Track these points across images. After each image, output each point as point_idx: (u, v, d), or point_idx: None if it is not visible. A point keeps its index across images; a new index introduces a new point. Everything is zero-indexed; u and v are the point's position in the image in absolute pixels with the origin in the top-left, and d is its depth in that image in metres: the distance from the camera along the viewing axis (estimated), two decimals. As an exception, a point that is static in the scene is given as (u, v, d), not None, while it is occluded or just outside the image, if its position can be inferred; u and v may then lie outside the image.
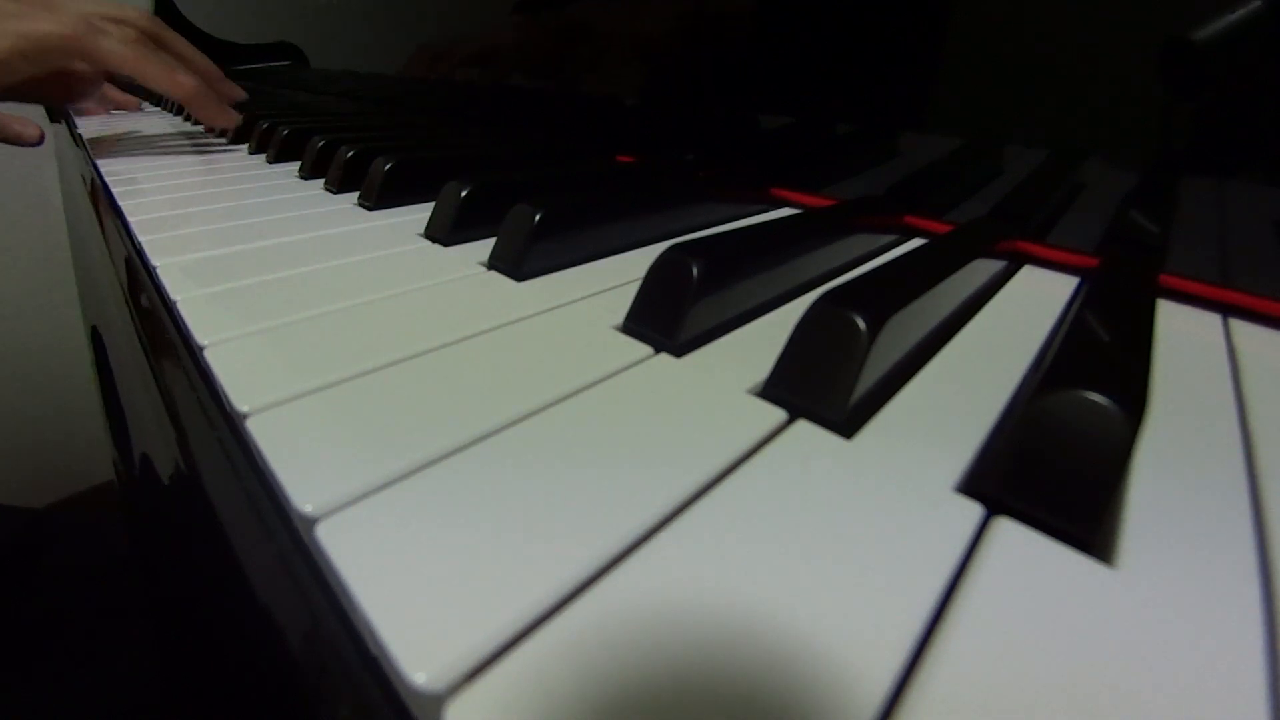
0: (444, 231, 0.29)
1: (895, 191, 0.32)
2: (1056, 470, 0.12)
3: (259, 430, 0.14)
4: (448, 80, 0.61)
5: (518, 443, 0.14)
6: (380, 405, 0.15)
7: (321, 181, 0.41)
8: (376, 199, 0.35)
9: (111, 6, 0.52)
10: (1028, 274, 0.27)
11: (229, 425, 0.16)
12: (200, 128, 0.69)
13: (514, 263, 0.25)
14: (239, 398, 0.15)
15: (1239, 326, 0.22)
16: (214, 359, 0.17)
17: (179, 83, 0.49)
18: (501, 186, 0.30)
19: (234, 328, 0.19)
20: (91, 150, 0.54)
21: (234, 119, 0.55)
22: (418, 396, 0.15)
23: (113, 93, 0.84)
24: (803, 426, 0.15)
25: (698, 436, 0.14)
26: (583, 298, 0.22)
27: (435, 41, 0.61)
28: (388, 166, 0.35)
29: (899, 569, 0.11)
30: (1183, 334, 0.21)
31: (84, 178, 0.48)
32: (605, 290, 0.23)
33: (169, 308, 0.22)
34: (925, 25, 0.29)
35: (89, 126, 0.69)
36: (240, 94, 0.63)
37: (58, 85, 0.52)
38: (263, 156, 0.50)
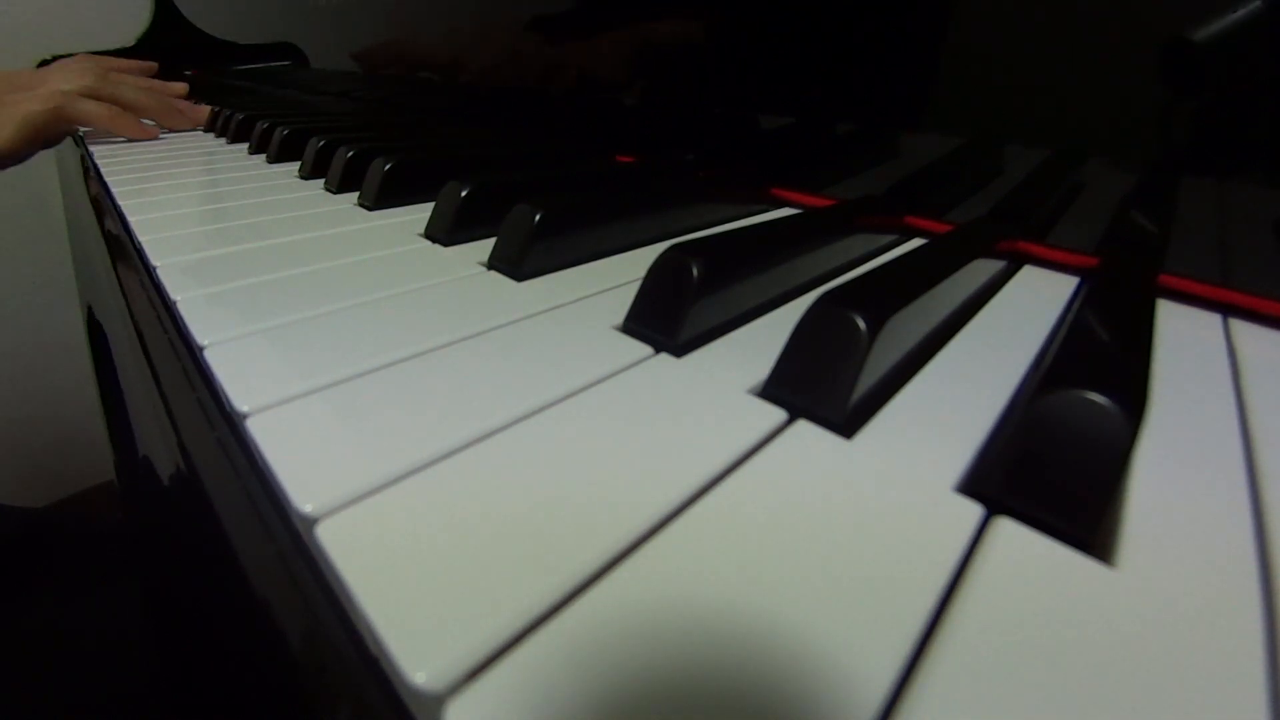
0: (444, 231, 0.29)
1: (895, 191, 0.32)
2: (1057, 470, 0.12)
3: (259, 430, 0.14)
4: (448, 81, 0.61)
5: (518, 443, 0.14)
6: (380, 405, 0.15)
7: (321, 181, 0.41)
8: (376, 199, 0.35)
9: (74, 67, 0.61)
10: (1028, 274, 0.27)
11: (229, 425, 0.16)
12: (199, 129, 0.70)
13: (514, 263, 0.25)
14: (239, 398, 0.15)
15: (1239, 326, 0.22)
16: (214, 359, 0.17)
17: (147, 131, 0.60)
18: (501, 186, 0.30)
19: (234, 328, 0.19)
20: (91, 150, 0.54)
21: (195, 118, 0.66)
22: (417, 396, 0.15)
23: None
24: (803, 426, 0.15)
25: (698, 436, 0.14)
26: (583, 298, 0.22)
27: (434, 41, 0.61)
28: (387, 167, 0.35)
29: (899, 569, 0.11)
30: (1183, 334, 0.21)
31: (84, 178, 0.48)
32: (605, 290, 0.23)
33: (169, 308, 0.22)
34: (925, 25, 0.29)
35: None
36: (201, 115, 0.72)
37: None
38: (262, 156, 0.50)
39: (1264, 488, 0.14)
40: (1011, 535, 0.12)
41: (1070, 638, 0.10)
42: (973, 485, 0.13)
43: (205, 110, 0.67)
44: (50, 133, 0.55)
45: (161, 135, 0.63)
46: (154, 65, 0.73)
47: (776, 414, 0.15)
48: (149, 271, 0.25)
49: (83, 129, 0.62)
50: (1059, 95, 0.26)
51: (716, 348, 0.19)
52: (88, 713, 0.35)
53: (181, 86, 0.72)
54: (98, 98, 0.58)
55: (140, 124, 0.59)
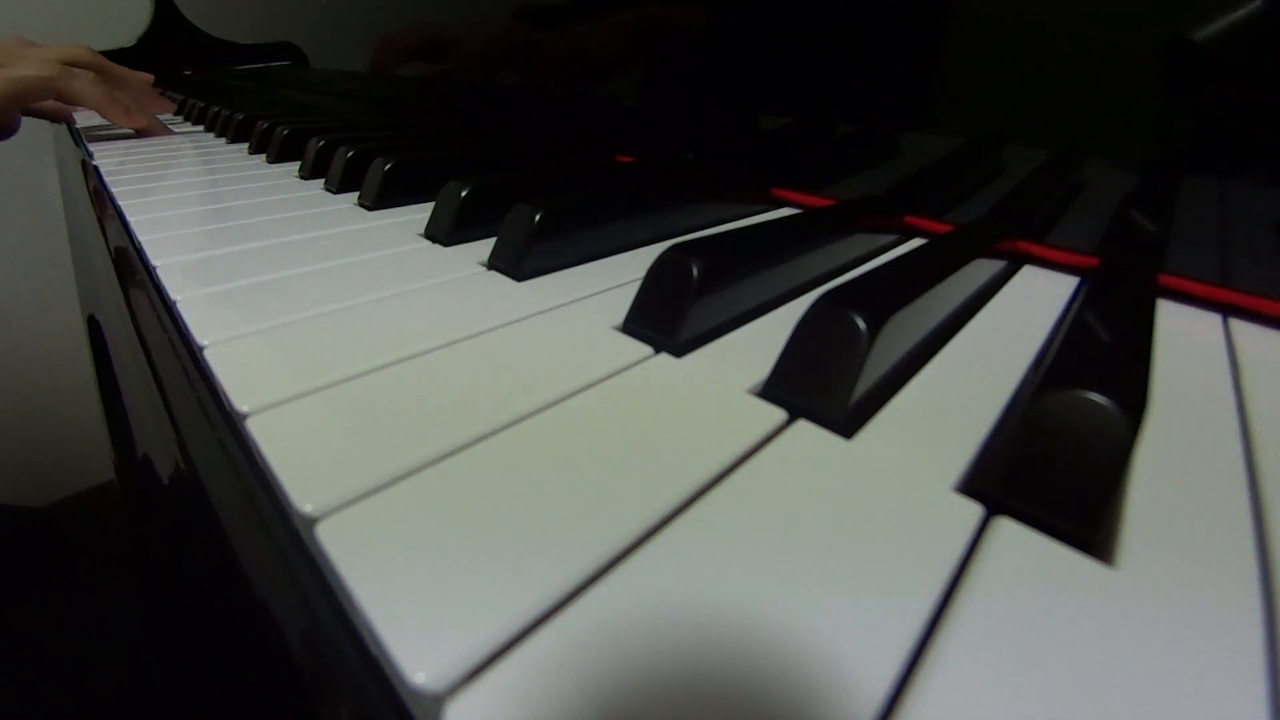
0: (444, 231, 0.29)
1: (895, 191, 0.32)
2: (1057, 470, 0.12)
3: (259, 430, 0.14)
4: (448, 80, 0.61)
5: (518, 443, 0.14)
6: (380, 405, 0.15)
7: (321, 182, 0.41)
8: (376, 199, 0.35)
9: (64, 48, 0.62)
10: (1028, 274, 0.27)
11: (229, 425, 0.16)
12: (199, 128, 0.70)
13: (514, 263, 0.25)
14: (239, 398, 0.15)
15: (1239, 326, 0.22)
16: (214, 359, 0.17)
17: (135, 119, 0.61)
18: (501, 186, 0.30)
19: (234, 328, 0.19)
20: (91, 150, 0.54)
21: (160, 128, 0.66)
22: (418, 397, 0.15)
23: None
24: (803, 426, 0.15)
25: (698, 437, 0.14)
26: (583, 298, 0.22)
27: (430, 34, 0.61)
28: (387, 167, 0.35)
29: (899, 569, 0.11)
30: (1183, 334, 0.21)
31: (84, 177, 0.48)
32: (605, 290, 0.23)
33: (169, 308, 0.22)
34: (925, 25, 0.29)
35: (89, 125, 0.69)
36: (168, 106, 0.78)
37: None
38: (262, 156, 0.50)
39: (1264, 488, 0.14)
40: (1011, 535, 0.12)
41: (1070, 637, 0.10)
42: (973, 485, 0.13)
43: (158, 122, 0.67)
44: (35, 100, 0.55)
45: (151, 135, 0.63)
46: (150, 77, 0.74)
47: (777, 414, 0.15)
48: (149, 271, 0.25)
49: (75, 110, 0.62)
50: (1059, 95, 0.26)
51: (716, 347, 0.19)
52: (88, 713, 0.35)
53: (147, 76, 0.73)
54: (94, 80, 0.58)
55: (130, 112, 0.60)
